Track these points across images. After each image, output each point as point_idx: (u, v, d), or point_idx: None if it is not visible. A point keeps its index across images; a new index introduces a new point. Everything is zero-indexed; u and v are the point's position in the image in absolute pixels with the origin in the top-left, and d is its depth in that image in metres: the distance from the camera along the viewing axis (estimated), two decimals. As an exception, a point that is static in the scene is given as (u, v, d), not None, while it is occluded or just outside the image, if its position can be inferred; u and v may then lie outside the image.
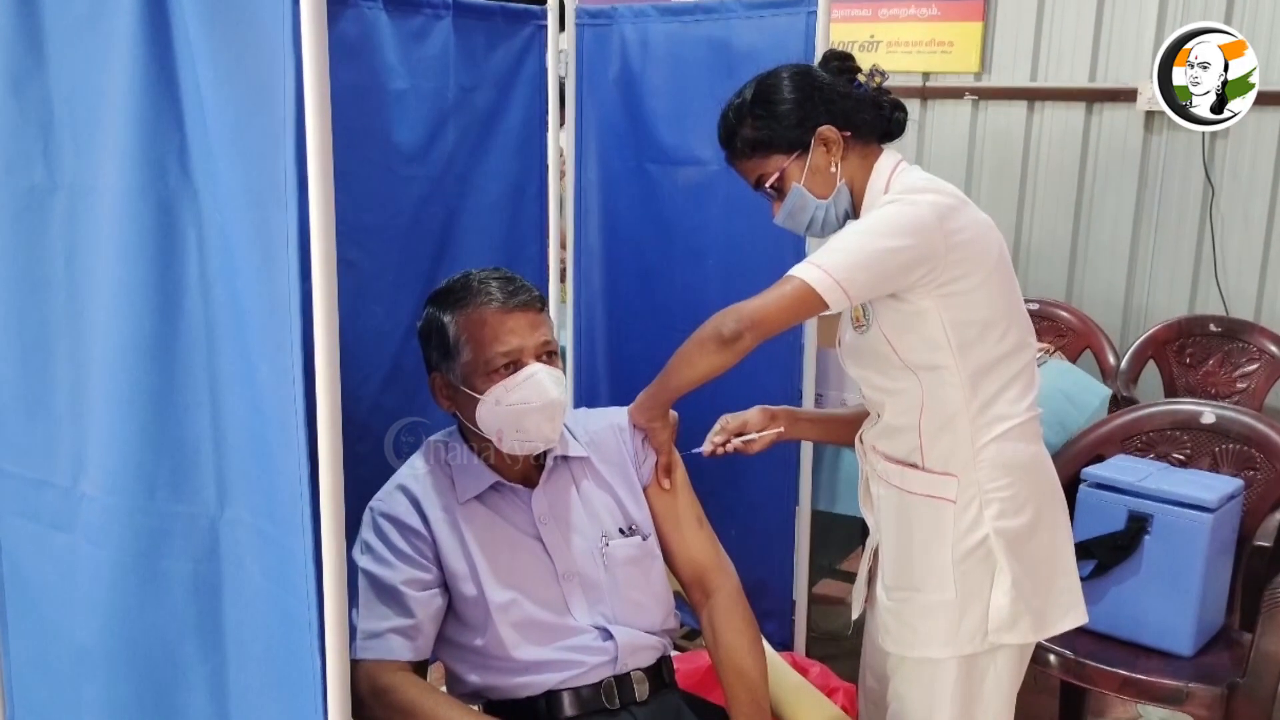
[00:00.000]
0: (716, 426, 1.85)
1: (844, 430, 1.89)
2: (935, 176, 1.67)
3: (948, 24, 3.73)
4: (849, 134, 1.68)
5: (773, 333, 1.62)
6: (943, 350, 1.61)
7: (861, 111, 1.70)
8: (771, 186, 1.71)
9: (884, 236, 1.57)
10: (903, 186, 1.65)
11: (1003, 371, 1.64)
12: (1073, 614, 1.71)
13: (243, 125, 1.21)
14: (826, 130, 1.67)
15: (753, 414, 1.86)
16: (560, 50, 2.37)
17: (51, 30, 1.39)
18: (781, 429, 1.85)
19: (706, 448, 1.84)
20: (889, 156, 1.72)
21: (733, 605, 1.74)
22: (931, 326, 1.61)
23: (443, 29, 2.02)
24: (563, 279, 2.55)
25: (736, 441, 1.83)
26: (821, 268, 1.57)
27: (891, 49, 3.82)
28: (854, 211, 1.72)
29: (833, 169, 1.69)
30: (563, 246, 2.55)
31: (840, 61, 1.74)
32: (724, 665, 1.70)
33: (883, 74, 1.73)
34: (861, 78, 1.73)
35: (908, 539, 1.70)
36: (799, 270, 1.59)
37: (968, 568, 1.65)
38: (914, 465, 1.68)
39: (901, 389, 1.67)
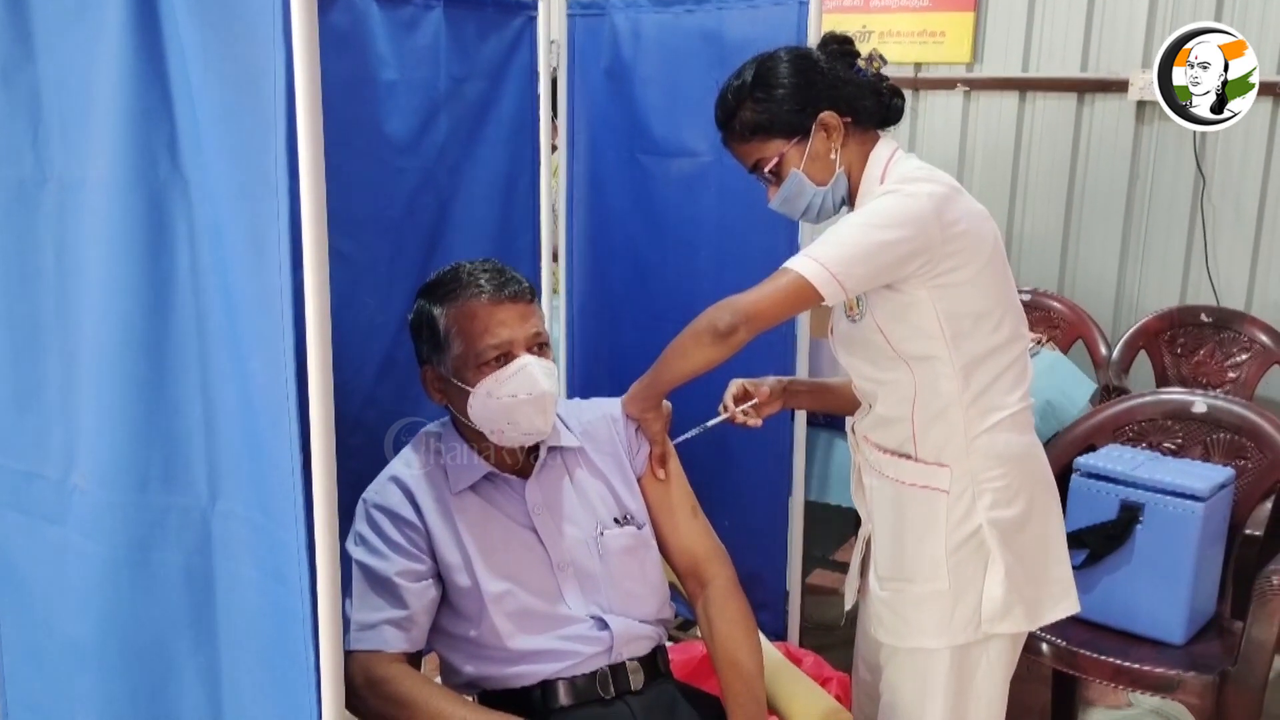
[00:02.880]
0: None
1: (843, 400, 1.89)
2: (931, 165, 1.67)
3: (939, 14, 3.72)
4: (849, 120, 1.68)
5: (768, 326, 1.62)
6: (936, 341, 1.61)
7: (862, 97, 1.69)
8: (770, 171, 1.70)
9: (880, 229, 1.57)
10: (899, 176, 1.64)
11: (996, 362, 1.64)
12: (1065, 603, 1.72)
13: (233, 116, 1.20)
14: (828, 116, 1.66)
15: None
16: (551, 41, 2.36)
17: (40, 21, 1.38)
18: (757, 400, 1.84)
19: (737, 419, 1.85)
20: (886, 145, 1.71)
21: (728, 595, 1.74)
22: (925, 317, 1.60)
23: (433, 19, 2.01)
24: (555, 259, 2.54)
25: (745, 406, 1.84)
26: (817, 260, 1.56)
27: (883, 39, 3.81)
28: (850, 199, 1.72)
29: (833, 155, 1.68)
30: (555, 260, 2.55)
31: (840, 45, 1.72)
32: (719, 655, 1.70)
33: (882, 59, 1.71)
34: (861, 62, 1.71)
35: (901, 529, 1.70)
36: (794, 263, 1.58)
37: (961, 558, 1.65)
38: (907, 456, 1.68)
39: (894, 379, 1.66)
